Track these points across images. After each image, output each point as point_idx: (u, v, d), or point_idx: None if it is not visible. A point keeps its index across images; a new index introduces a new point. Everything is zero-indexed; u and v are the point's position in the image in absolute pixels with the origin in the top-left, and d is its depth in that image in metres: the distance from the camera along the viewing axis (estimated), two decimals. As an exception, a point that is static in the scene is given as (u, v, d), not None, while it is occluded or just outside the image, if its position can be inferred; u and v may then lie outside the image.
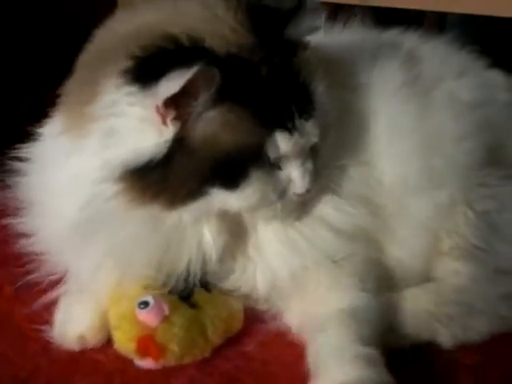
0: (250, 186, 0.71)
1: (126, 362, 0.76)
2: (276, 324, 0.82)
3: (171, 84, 0.64)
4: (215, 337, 0.78)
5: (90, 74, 0.74)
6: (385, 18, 1.12)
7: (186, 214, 0.72)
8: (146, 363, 0.74)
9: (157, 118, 0.68)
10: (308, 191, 0.76)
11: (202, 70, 0.63)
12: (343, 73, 0.87)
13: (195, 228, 0.75)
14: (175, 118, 0.68)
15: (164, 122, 0.68)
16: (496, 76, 0.99)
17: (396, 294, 0.85)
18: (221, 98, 0.67)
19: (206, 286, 0.80)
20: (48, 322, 0.81)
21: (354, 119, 0.85)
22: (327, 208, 0.81)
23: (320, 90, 0.75)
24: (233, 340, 0.81)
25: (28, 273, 0.84)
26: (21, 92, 1.46)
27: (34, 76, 1.45)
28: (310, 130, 0.74)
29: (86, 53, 0.79)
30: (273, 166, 0.73)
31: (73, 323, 0.79)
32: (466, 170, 0.87)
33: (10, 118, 1.35)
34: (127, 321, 0.75)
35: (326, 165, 0.80)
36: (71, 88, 0.79)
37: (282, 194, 0.75)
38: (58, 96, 0.80)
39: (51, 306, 0.83)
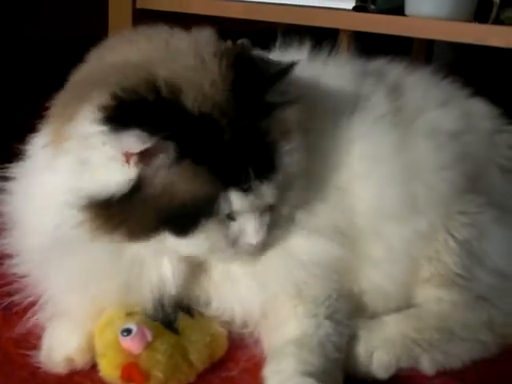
0: (200, 235, 0.73)
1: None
2: (259, 349, 0.83)
3: (132, 142, 0.67)
4: (199, 362, 0.79)
5: (76, 95, 0.77)
6: (372, 47, 1.14)
7: (144, 248, 0.75)
8: None
9: (122, 158, 0.71)
10: (261, 241, 0.77)
11: (161, 142, 0.68)
12: (326, 104, 0.88)
13: (155, 259, 0.77)
14: (138, 162, 0.70)
15: (128, 163, 0.71)
16: (478, 105, 1.01)
17: (375, 320, 0.86)
18: (181, 154, 0.70)
19: (189, 311, 0.81)
20: (35, 346, 0.82)
21: (333, 148, 0.86)
22: (295, 241, 0.81)
23: (287, 149, 0.76)
24: (217, 365, 0.81)
25: (12, 294, 0.85)
26: (12, 108, 1.47)
27: (26, 92, 1.45)
28: (266, 192, 0.74)
29: (77, 72, 0.82)
30: (227, 216, 0.75)
31: (60, 346, 0.80)
32: (446, 198, 0.88)
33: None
34: (111, 349, 0.76)
35: (291, 210, 0.81)
36: (58, 103, 0.81)
37: (234, 242, 0.77)
38: (46, 109, 0.83)
39: (37, 329, 0.83)
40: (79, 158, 0.73)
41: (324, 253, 0.81)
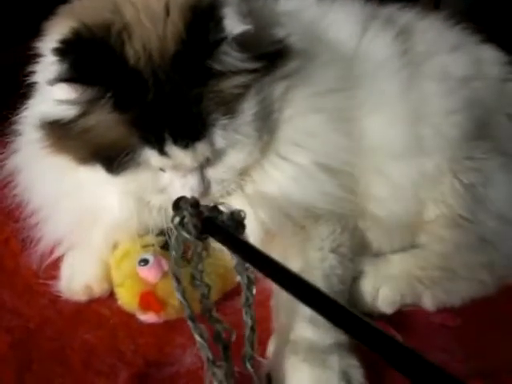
0: (128, 176, 0.77)
1: (129, 317, 0.80)
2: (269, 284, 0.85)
3: (63, 87, 0.72)
4: (213, 292, 0.81)
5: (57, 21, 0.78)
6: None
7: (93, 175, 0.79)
8: (149, 317, 0.79)
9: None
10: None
11: (92, 89, 0.71)
12: (330, 44, 0.88)
13: (100, 187, 0.81)
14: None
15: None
16: (489, 51, 1.02)
17: (379, 257, 0.89)
18: (107, 102, 0.72)
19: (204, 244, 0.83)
20: (54, 277, 0.86)
21: (338, 86, 0.85)
22: (285, 180, 0.82)
23: (222, 123, 0.74)
24: (229, 296, 0.84)
25: (31, 227, 0.87)
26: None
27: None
28: (183, 157, 0.74)
29: None
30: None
31: (78, 275, 0.84)
32: (454, 142, 0.90)
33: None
34: (130, 278, 0.80)
35: (230, 171, 0.80)
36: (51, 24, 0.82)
37: (163, 190, 0.79)
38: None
39: (56, 261, 0.87)
40: (42, 85, 0.79)
41: (300, 202, 0.82)
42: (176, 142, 0.73)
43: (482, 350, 0.80)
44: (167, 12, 0.74)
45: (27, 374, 0.72)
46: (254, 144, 0.78)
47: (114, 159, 0.74)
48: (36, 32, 0.79)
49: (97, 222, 0.83)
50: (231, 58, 0.72)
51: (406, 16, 1.01)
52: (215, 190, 0.80)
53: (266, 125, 0.79)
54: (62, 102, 0.73)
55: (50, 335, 0.78)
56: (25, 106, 0.87)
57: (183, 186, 0.78)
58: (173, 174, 0.78)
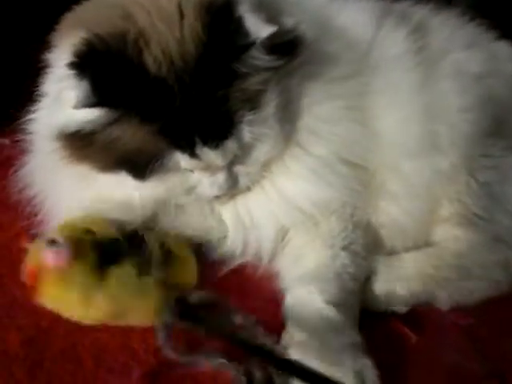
0: (154, 180, 0.77)
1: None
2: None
3: (80, 93, 0.69)
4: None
5: (67, 23, 0.78)
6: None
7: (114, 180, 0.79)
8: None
9: None
10: (220, 194, 0.80)
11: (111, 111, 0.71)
12: (342, 41, 0.87)
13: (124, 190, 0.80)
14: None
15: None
16: (503, 48, 1.01)
17: (393, 256, 0.88)
18: (129, 112, 0.71)
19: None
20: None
21: (353, 72, 0.85)
22: (304, 172, 0.82)
23: (248, 118, 0.74)
24: (241, 295, 0.83)
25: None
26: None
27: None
28: (213, 157, 0.75)
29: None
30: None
31: None
32: (469, 140, 0.89)
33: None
34: (36, 247, 0.76)
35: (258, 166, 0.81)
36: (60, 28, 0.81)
37: (191, 189, 0.80)
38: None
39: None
40: (56, 96, 0.77)
41: (318, 195, 0.83)
42: (206, 143, 0.73)
43: (496, 350, 0.80)
44: (181, 13, 0.72)
45: (39, 372, 0.72)
46: (278, 135, 0.78)
47: (141, 166, 0.74)
48: (49, 30, 0.79)
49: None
50: (258, 60, 0.72)
51: (420, 12, 1.00)
52: (242, 183, 0.81)
53: (287, 115, 0.79)
54: (87, 122, 0.72)
55: (61, 333, 0.77)
56: (33, 113, 0.86)
57: (212, 184, 0.78)
58: (201, 173, 0.78)
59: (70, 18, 0.78)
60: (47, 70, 0.82)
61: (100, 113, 0.71)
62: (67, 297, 0.73)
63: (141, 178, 0.76)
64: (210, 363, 0.70)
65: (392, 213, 0.88)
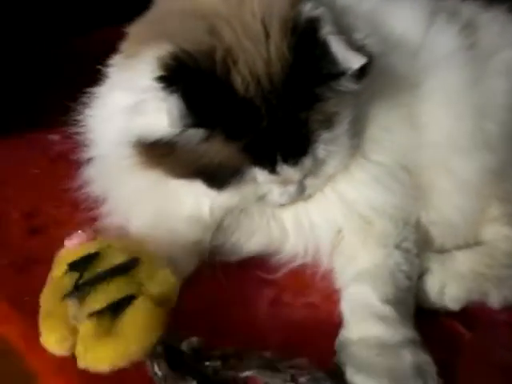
0: (229, 191, 0.78)
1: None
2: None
3: (175, 111, 0.68)
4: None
5: (146, 32, 0.79)
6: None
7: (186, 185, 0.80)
8: None
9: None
10: (287, 202, 0.82)
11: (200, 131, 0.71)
12: (402, 49, 0.87)
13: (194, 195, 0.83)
14: None
15: None
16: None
17: (444, 254, 0.89)
18: (215, 130, 0.72)
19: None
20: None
21: (403, 82, 0.86)
22: (368, 179, 0.84)
23: (324, 137, 0.76)
24: (299, 292, 0.85)
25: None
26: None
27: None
28: (291, 173, 0.77)
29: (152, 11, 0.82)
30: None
31: None
32: None
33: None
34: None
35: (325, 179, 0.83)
36: (134, 31, 0.82)
37: (262, 197, 0.82)
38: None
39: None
40: (136, 104, 0.76)
41: (379, 201, 0.84)
42: (286, 161, 0.75)
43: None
44: (266, 31, 0.73)
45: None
46: (347, 150, 0.80)
47: (220, 178, 0.76)
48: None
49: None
50: (345, 87, 0.73)
51: (470, 9, 1.00)
52: (308, 193, 0.83)
53: (356, 130, 0.81)
54: (171, 135, 0.73)
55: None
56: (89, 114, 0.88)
57: (282, 193, 0.81)
58: (274, 184, 0.80)
59: (145, 27, 0.80)
60: (109, 73, 0.84)
61: (191, 131, 0.71)
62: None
63: (217, 189, 0.78)
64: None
65: (443, 210, 0.88)
